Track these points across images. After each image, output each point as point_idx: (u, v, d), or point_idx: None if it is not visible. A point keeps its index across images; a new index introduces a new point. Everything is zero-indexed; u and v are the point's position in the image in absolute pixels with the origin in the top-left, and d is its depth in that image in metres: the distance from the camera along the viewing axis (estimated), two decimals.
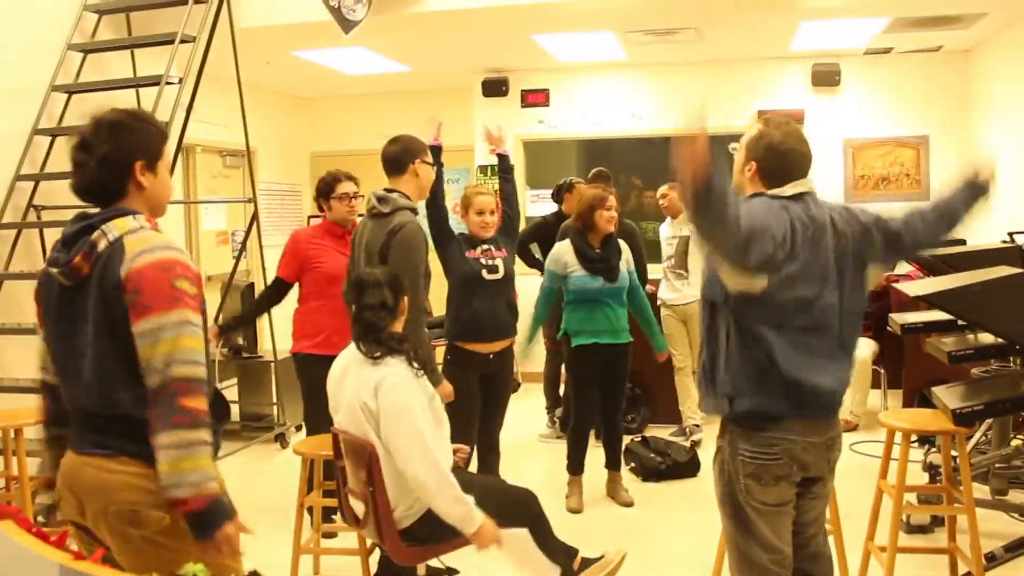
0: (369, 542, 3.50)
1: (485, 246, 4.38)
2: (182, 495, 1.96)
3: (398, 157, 3.92)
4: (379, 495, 2.96)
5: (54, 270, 2.10)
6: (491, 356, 4.34)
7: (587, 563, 3.43)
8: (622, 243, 5.00)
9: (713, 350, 2.59)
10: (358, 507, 3.15)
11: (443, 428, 3.16)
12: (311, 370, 4.15)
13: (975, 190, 2.64)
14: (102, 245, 2.05)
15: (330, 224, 4.48)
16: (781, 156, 2.58)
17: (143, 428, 2.03)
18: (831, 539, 3.09)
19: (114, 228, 2.07)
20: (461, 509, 2.88)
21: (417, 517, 3.03)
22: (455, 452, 3.29)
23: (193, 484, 1.96)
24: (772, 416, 2.50)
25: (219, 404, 2.24)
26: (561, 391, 6.43)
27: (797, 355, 2.46)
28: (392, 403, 2.91)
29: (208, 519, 1.99)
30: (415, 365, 3.01)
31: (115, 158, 2.11)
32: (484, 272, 4.30)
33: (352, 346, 3.09)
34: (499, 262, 4.36)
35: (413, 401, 2.93)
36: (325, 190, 4.46)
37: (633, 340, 5.04)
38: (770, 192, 2.55)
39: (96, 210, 2.15)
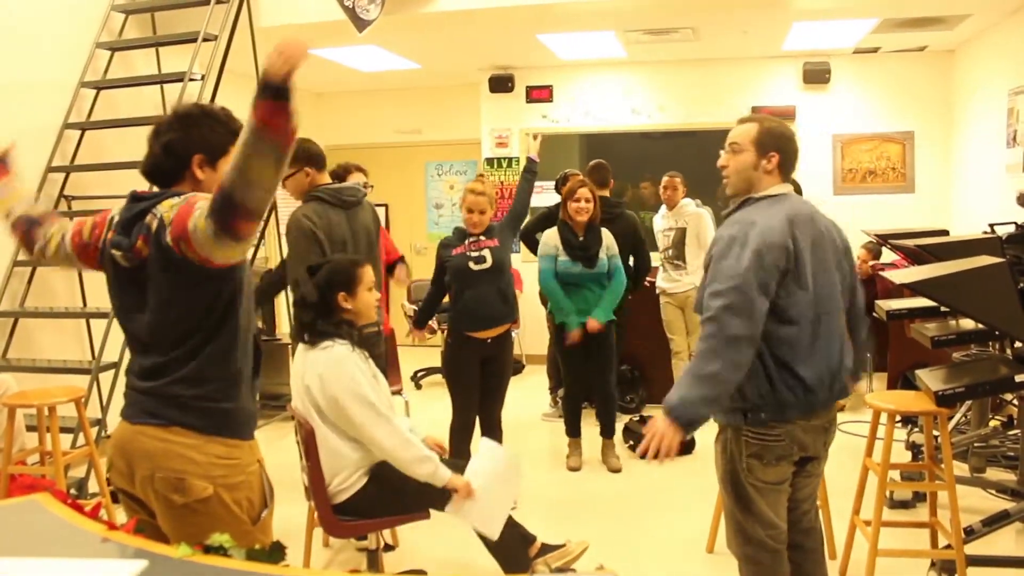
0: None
1: (472, 237, 4.42)
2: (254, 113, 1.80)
3: (323, 155, 3.99)
4: (313, 469, 2.99)
5: (117, 253, 2.10)
6: (488, 341, 4.40)
7: (547, 549, 3.38)
8: (608, 233, 5.08)
9: None
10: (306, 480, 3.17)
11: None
12: None
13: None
14: (155, 226, 2.05)
15: None
16: (792, 143, 2.62)
17: (192, 403, 2.08)
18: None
19: (161, 209, 2.07)
20: (427, 468, 2.94)
21: (352, 493, 3.04)
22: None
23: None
24: (788, 420, 2.52)
25: (256, 353, 2.26)
26: None
27: (805, 353, 2.47)
28: (342, 386, 2.94)
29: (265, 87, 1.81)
30: (357, 347, 3.06)
31: (176, 147, 2.12)
32: (471, 264, 4.36)
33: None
34: (486, 252, 4.38)
35: (358, 376, 2.96)
36: (337, 180, 4.44)
37: (616, 319, 5.14)
38: (763, 195, 2.56)
39: (147, 191, 2.16)
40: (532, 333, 7.83)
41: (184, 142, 2.13)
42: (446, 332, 4.53)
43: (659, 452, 2.35)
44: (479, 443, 3.13)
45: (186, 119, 2.15)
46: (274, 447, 5.80)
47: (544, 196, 7.99)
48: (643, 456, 2.38)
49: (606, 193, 5.80)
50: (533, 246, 6.39)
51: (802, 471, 2.66)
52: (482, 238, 4.42)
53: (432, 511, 3.17)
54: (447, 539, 3.78)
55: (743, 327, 2.35)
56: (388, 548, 3.87)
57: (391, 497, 3.04)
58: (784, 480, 2.60)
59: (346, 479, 3.03)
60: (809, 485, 2.73)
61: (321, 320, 3.06)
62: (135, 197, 2.15)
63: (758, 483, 2.56)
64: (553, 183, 6.57)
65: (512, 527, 3.31)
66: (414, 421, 5.23)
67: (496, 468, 3.14)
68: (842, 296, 2.63)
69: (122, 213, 2.15)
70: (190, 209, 1.97)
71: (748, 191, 2.59)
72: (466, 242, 4.40)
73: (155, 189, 2.17)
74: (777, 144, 2.57)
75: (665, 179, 6.20)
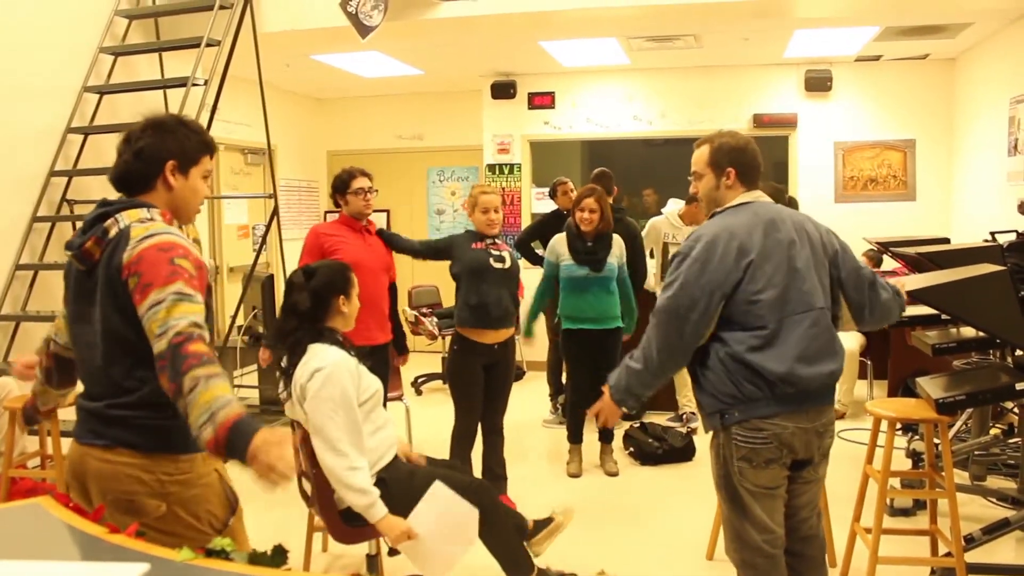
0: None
1: (490, 239, 4.43)
2: (216, 424, 1.79)
3: None
4: (319, 476, 2.95)
5: (69, 253, 2.12)
6: (495, 347, 4.40)
7: (540, 526, 3.45)
8: (619, 239, 5.11)
9: (692, 368, 2.67)
10: (309, 487, 3.14)
11: (374, 419, 3.09)
12: None
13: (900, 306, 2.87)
14: (113, 232, 2.05)
15: (346, 218, 4.46)
16: (746, 152, 2.71)
17: (134, 421, 2.02)
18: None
19: (126, 217, 2.07)
20: (363, 500, 2.81)
21: (347, 505, 3.01)
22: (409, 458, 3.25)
23: (222, 407, 1.81)
24: (763, 416, 2.54)
25: None
26: (564, 379, 6.45)
27: (772, 351, 2.50)
28: (317, 392, 2.87)
29: (241, 430, 1.79)
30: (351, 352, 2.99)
31: (149, 152, 2.12)
32: (492, 260, 4.36)
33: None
34: (505, 254, 4.42)
35: (335, 393, 2.86)
36: (341, 186, 4.42)
37: (623, 327, 5.15)
38: (724, 208, 2.67)
39: (116, 197, 2.16)
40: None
41: (158, 147, 2.13)
42: (451, 338, 4.53)
43: (603, 419, 2.88)
44: (433, 487, 2.95)
45: (160, 126, 2.15)
46: None
47: (545, 203, 8.04)
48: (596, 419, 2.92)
49: (610, 200, 5.81)
50: (529, 255, 6.43)
51: (798, 477, 2.66)
52: (496, 241, 4.45)
53: None
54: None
55: (673, 336, 2.57)
56: (392, 552, 3.84)
57: (397, 501, 3.03)
58: (777, 485, 2.61)
59: None
60: (807, 492, 2.73)
61: (304, 328, 2.98)
62: (103, 203, 2.14)
63: (751, 487, 2.58)
64: (548, 190, 6.58)
65: (508, 517, 3.33)
66: (415, 428, 5.29)
67: (447, 515, 2.92)
68: (831, 294, 2.67)
69: (87, 216, 2.14)
70: (165, 272, 1.95)
71: (720, 203, 2.72)
72: (484, 242, 4.41)
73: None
74: (730, 158, 2.69)
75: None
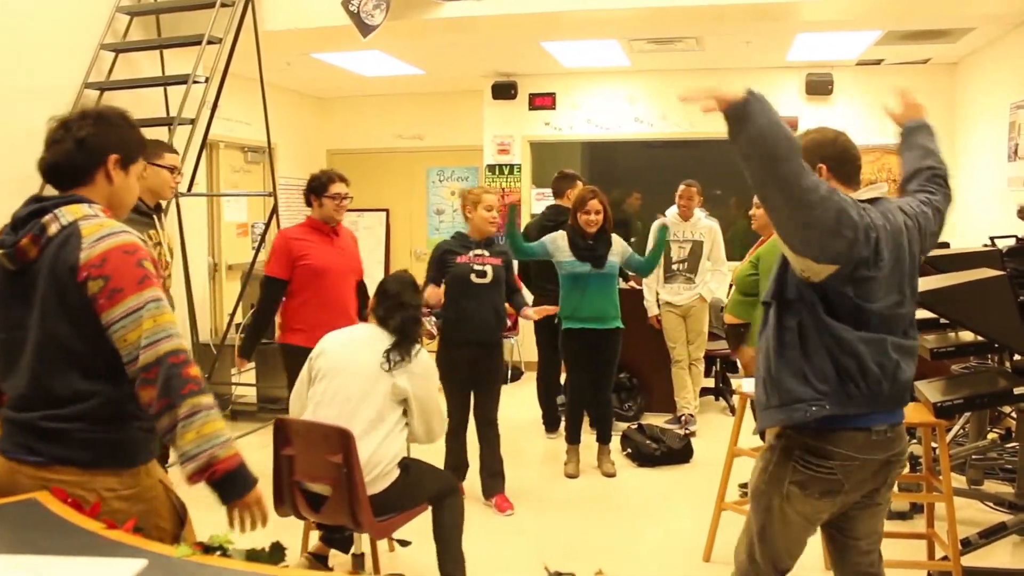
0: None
1: (478, 250, 4.43)
2: (214, 459, 1.85)
3: None
4: (356, 475, 2.97)
5: None
6: (476, 341, 4.46)
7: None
8: (619, 238, 5.12)
9: (782, 352, 2.31)
10: (321, 491, 3.12)
11: None
12: (302, 361, 3.71)
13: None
14: (53, 229, 1.92)
15: (315, 221, 4.33)
16: (835, 145, 2.50)
17: (74, 435, 1.91)
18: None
19: (67, 213, 1.94)
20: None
21: (386, 484, 3.11)
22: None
23: (222, 445, 1.87)
24: (852, 418, 2.28)
25: None
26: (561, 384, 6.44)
27: (878, 357, 2.26)
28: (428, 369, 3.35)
29: (243, 477, 1.90)
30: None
31: (92, 143, 2.02)
32: (472, 276, 4.40)
33: (359, 333, 3.36)
34: (488, 268, 4.42)
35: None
36: (319, 188, 4.27)
37: (624, 328, 5.15)
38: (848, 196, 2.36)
39: (51, 194, 2.03)
40: (530, 339, 7.82)
41: (102, 139, 2.03)
42: (438, 335, 4.59)
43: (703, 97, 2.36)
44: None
45: (103, 119, 2.07)
46: (269, 451, 5.79)
47: (544, 203, 8.03)
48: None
49: (566, 203, 5.79)
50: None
51: (857, 501, 2.40)
52: (486, 253, 4.44)
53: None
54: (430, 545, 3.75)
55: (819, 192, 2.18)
56: (403, 543, 3.78)
57: (414, 485, 3.16)
58: (818, 519, 2.39)
59: (384, 469, 3.10)
60: (870, 517, 2.45)
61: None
62: (35, 199, 2.01)
63: (791, 513, 2.35)
64: (551, 189, 6.52)
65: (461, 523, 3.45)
66: None
67: None
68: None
69: (16, 212, 2.01)
70: (136, 276, 1.89)
71: None
72: (471, 254, 4.44)
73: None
74: (819, 155, 2.44)
75: (682, 188, 6.09)
